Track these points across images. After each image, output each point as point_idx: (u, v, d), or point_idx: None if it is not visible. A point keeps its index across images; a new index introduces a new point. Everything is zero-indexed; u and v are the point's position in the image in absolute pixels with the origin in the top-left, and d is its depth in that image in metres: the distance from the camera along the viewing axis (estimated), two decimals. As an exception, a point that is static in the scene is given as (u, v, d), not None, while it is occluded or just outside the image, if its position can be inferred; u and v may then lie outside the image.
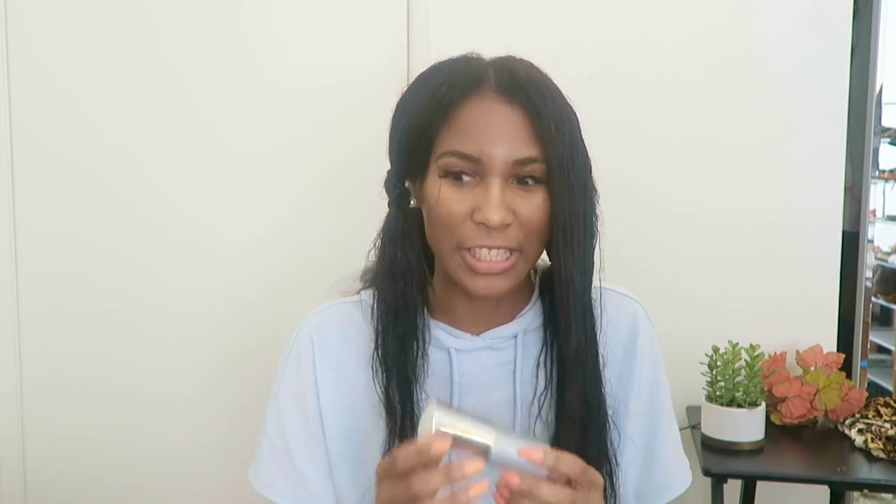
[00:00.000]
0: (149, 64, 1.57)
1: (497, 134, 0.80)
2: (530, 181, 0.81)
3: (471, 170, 0.81)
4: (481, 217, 0.80)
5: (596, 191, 0.85)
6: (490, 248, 0.81)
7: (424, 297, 0.89)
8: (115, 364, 1.63)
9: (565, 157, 0.80)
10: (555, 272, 0.84)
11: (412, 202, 0.88)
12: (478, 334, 0.91)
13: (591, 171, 0.84)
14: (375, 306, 0.89)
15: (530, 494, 0.69)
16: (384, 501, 0.72)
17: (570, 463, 0.72)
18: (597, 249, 0.85)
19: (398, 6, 1.56)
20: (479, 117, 0.80)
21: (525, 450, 0.71)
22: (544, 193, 0.82)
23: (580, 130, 0.84)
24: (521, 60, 0.85)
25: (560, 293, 0.84)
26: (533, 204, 0.81)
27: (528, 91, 0.80)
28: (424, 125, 0.82)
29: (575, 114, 0.84)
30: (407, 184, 0.87)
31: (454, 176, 0.81)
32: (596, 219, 0.84)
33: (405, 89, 0.88)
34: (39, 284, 1.62)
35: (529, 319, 0.92)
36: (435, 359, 0.90)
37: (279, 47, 1.57)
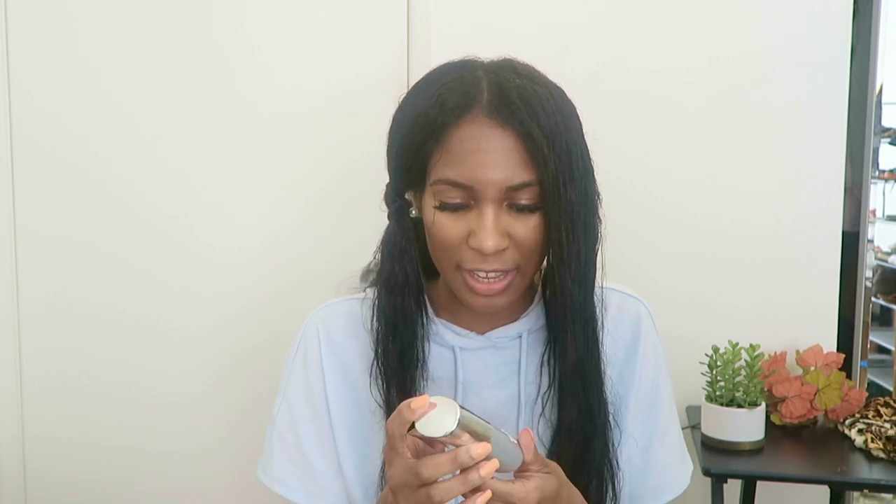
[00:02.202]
0: (149, 65, 1.57)
1: (489, 160, 0.78)
2: (524, 203, 0.80)
3: (464, 196, 0.80)
4: (476, 244, 0.79)
5: (598, 194, 0.84)
6: (487, 271, 0.81)
7: (423, 308, 0.89)
8: (115, 365, 1.62)
9: (560, 174, 0.78)
10: (551, 287, 0.84)
11: (413, 212, 0.87)
12: (482, 333, 0.92)
13: (592, 176, 0.83)
14: (374, 320, 0.88)
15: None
16: (397, 486, 0.71)
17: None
18: (598, 252, 0.85)
19: (398, 6, 1.56)
20: (471, 142, 0.78)
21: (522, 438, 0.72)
22: (540, 214, 0.81)
23: (581, 134, 0.82)
24: (517, 69, 0.82)
25: (557, 308, 0.84)
26: (528, 226, 0.81)
27: (519, 112, 0.77)
28: (416, 146, 0.81)
29: (574, 116, 0.82)
30: (407, 195, 0.87)
31: (450, 207, 0.80)
32: (599, 222, 0.84)
33: (402, 98, 0.87)
34: (41, 285, 1.62)
35: (533, 319, 0.92)
36: (440, 357, 0.91)
37: (279, 48, 1.57)
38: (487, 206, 0.79)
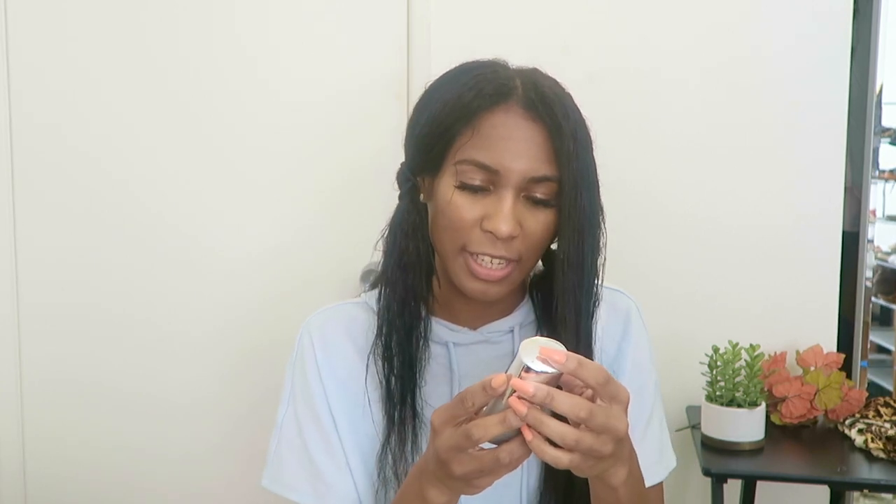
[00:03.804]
0: (146, 75, 1.58)
1: (518, 148, 0.81)
2: (539, 197, 0.83)
3: (486, 179, 0.82)
4: (491, 226, 0.82)
5: (602, 209, 0.86)
6: (493, 257, 0.83)
7: (430, 289, 0.90)
8: (115, 366, 1.63)
9: (578, 178, 0.81)
10: (559, 292, 0.84)
11: (421, 197, 0.89)
12: (475, 329, 0.93)
13: (598, 190, 0.85)
14: (383, 297, 0.90)
15: (546, 405, 0.66)
16: (448, 450, 0.71)
17: (593, 371, 0.68)
18: (600, 262, 0.86)
19: (398, 6, 1.56)
20: (503, 130, 0.81)
21: (546, 349, 0.67)
22: (552, 212, 0.84)
23: (593, 149, 0.85)
24: (547, 76, 0.86)
25: (554, 304, 0.85)
26: (539, 220, 0.84)
27: (553, 109, 0.81)
28: (446, 126, 0.83)
29: (589, 132, 0.85)
30: (418, 179, 0.88)
31: (470, 188, 0.83)
32: (602, 233, 0.85)
33: (429, 85, 0.89)
34: (42, 287, 1.62)
35: (524, 314, 0.95)
36: (434, 353, 0.92)
37: (279, 51, 1.57)
38: (507, 192, 0.82)
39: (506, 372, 0.69)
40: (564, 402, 0.66)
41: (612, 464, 0.72)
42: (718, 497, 1.31)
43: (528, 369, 0.67)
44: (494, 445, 0.70)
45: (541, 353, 0.67)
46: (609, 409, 0.68)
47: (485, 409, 0.71)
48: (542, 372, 0.67)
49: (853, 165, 1.63)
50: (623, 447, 0.72)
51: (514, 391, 0.67)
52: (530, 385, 0.66)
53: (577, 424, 0.67)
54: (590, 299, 0.86)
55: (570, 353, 0.68)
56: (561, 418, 0.68)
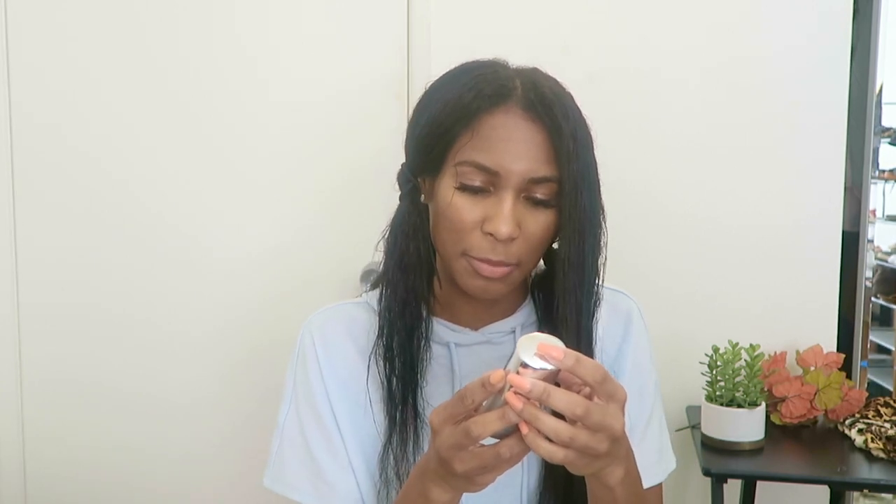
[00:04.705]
0: (147, 75, 1.58)
1: (518, 150, 0.81)
2: (539, 198, 0.83)
3: (486, 181, 0.82)
4: (491, 228, 0.82)
5: (602, 209, 0.85)
6: (493, 263, 0.83)
7: (431, 290, 0.90)
8: (115, 366, 1.63)
9: (578, 178, 0.81)
10: (560, 293, 0.85)
11: (422, 198, 0.89)
12: (476, 329, 0.93)
13: (599, 189, 0.85)
14: (384, 298, 0.90)
15: (542, 401, 0.66)
16: (449, 448, 0.70)
17: (591, 368, 0.68)
18: (601, 262, 0.86)
19: (398, 6, 1.56)
20: (503, 131, 0.81)
21: (544, 345, 0.67)
22: (552, 213, 0.84)
23: (594, 149, 0.85)
24: (548, 76, 0.85)
25: (555, 305, 0.85)
26: (540, 221, 0.83)
27: (553, 110, 0.81)
28: (445, 127, 0.83)
29: (590, 132, 0.85)
30: (418, 179, 0.88)
31: (470, 189, 0.83)
32: (602, 233, 0.85)
33: (430, 85, 0.89)
34: (42, 287, 1.62)
35: (526, 315, 0.94)
36: (435, 353, 0.92)
37: (279, 51, 1.57)
38: (507, 194, 0.82)
39: (504, 368, 0.69)
40: (561, 398, 0.67)
41: (608, 462, 0.72)
42: (718, 497, 1.31)
43: (525, 365, 0.67)
44: (496, 440, 0.70)
45: (539, 350, 0.67)
46: (606, 407, 0.68)
47: (484, 405, 0.71)
48: (539, 368, 0.67)
49: (853, 165, 1.63)
50: (619, 446, 0.72)
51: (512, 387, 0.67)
52: (527, 381, 0.66)
53: (573, 422, 0.67)
54: (591, 299, 0.86)
55: (568, 349, 0.68)
56: (560, 415, 0.68)
